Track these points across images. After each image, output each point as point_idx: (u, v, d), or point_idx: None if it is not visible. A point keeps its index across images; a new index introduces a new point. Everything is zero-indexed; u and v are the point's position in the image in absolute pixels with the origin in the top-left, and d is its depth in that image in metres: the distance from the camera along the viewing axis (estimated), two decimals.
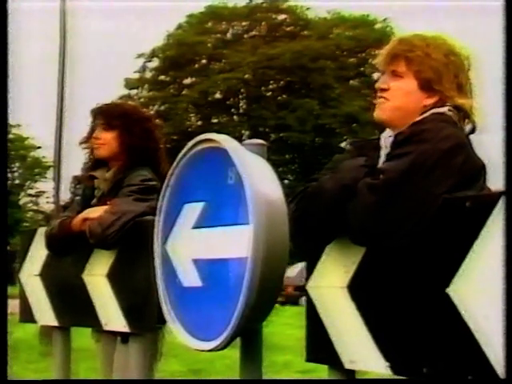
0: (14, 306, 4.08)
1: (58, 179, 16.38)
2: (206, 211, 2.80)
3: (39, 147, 42.02)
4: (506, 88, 2.06)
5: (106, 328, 3.73)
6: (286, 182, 42.73)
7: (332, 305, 2.64)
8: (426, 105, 2.62)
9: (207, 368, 8.79)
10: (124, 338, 3.65)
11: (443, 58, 2.62)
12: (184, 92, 47.98)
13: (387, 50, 2.69)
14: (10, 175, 39.80)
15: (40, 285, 4.20)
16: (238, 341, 2.76)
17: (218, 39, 49.07)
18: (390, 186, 2.40)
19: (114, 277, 3.66)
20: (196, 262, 2.82)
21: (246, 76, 46.87)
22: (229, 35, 49.56)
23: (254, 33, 49.49)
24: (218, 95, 48.39)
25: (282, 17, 49.75)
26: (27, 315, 4.39)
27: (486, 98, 2.70)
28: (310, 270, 2.74)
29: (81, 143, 4.09)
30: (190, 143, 2.91)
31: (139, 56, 48.70)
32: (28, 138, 42.30)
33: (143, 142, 3.88)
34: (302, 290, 3.22)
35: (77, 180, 4.10)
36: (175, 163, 2.98)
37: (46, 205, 40.78)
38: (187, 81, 48.71)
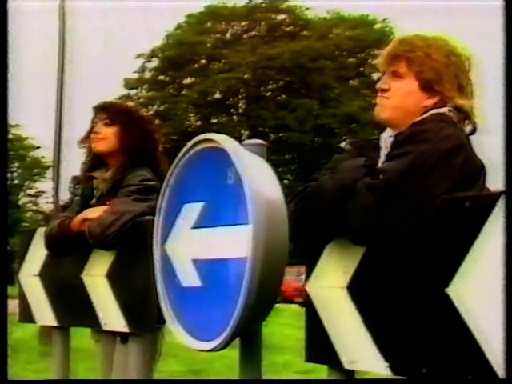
0: (13, 306, 4.08)
1: (57, 179, 16.37)
2: (206, 211, 2.80)
3: (38, 147, 42.07)
4: (506, 88, 2.06)
5: (106, 328, 3.73)
6: (285, 182, 42.75)
7: (331, 305, 2.64)
8: (427, 105, 2.62)
9: (207, 368, 8.79)
10: (123, 338, 3.65)
11: (444, 59, 2.62)
12: (183, 92, 48.01)
13: (388, 51, 2.69)
14: (9, 175, 39.80)
15: (39, 285, 4.20)
16: (237, 341, 2.76)
17: (218, 39, 49.09)
18: (390, 186, 2.40)
19: (113, 277, 3.66)
20: (195, 262, 2.82)
21: (246, 76, 46.90)
22: (228, 35, 49.59)
23: (253, 33, 49.52)
24: (217, 95, 48.43)
25: (281, 17, 49.78)
26: (26, 315, 4.39)
27: (486, 98, 2.70)
28: (309, 270, 2.74)
29: (80, 141, 4.09)
30: (190, 143, 2.91)
31: (138, 56, 48.76)
32: (27, 137, 42.34)
33: (143, 141, 3.88)
34: None
35: (76, 180, 4.10)
36: (175, 163, 2.98)
37: (46, 205, 40.85)
38: (186, 81, 48.75)
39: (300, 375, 8.27)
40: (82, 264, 3.84)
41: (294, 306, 20.00)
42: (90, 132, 3.99)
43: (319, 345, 2.69)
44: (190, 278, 2.84)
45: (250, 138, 34.27)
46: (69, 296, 3.98)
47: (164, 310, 2.97)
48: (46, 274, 4.18)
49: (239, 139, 2.99)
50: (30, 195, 44.52)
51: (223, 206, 2.74)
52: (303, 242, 2.67)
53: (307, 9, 49.23)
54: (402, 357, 2.40)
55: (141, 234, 3.43)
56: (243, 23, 49.34)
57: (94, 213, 3.71)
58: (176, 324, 2.91)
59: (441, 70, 2.61)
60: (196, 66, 48.71)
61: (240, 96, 48.66)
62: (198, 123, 47.46)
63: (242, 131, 46.05)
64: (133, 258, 3.54)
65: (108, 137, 3.90)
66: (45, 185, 41.45)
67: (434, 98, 2.61)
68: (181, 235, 2.92)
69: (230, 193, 2.69)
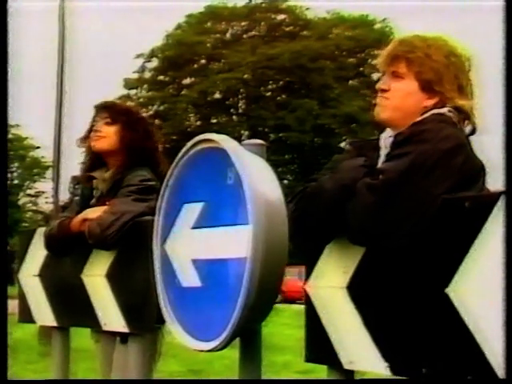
0: (12, 306, 4.08)
1: (57, 179, 16.35)
2: (206, 211, 2.80)
3: (38, 147, 42.06)
4: (506, 88, 2.06)
5: (105, 328, 3.72)
6: (285, 182, 42.76)
7: (331, 305, 2.64)
8: (427, 106, 2.61)
9: (206, 368, 8.79)
10: (123, 338, 3.65)
11: (444, 59, 2.62)
12: (183, 92, 48.02)
13: (388, 51, 2.69)
14: (8, 175, 39.79)
15: (39, 285, 4.20)
16: (237, 341, 2.76)
17: (218, 39, 49.10)
18: (390, 186, 2.40)
19: (113, 277, 3.66)
20: (195, 262, 2.82)
21: (246, 76, 46.90)
22: (228, 35, 49.60)
23: (253, 33, 49.53)
24: (217, 95, 48.44)
25: (281, 17, 49.80)
26: (26, 315, 4.39)
27: (486, 98, 2.69)
28: (309, 270, 2.74)
29: (80, 140, 4.08)
30: (190, 143, 2.91)
31: (138, 56, 48.78)
32: (27, 137, 42.33)
33: (144, 142, 3.89)
34: None
35: (76, 180, 4.10)
36: (174, 163, 2.98)
37: (45, 205, 40.83)
38: (186, 81, 48.75)
39: (300, 375, 8.27)
40: (81, 264, 3.84)
41: (294, 306, 19.99)
42: (90, 131, 3.99)
43: (319, 345, 2.69)
44: (189, 278, 2.84)
45: (249, 138, 34.30)
46: (68, 296, 3.98)
47: (164, 310, 2.97)
48: (45, 274, 4.18)
49: (239, 139, 2.99)
50: (29, 195, 44.53)
51: (223, 206, 2.74)
52: (303, 242, 2.67)
53: (307, 9, 49.30)
54: (402, 357, 2.40)
55: (141, 234, 3.43)
56: (243, 23, 49.35)
57: (94, 213, 3.71)
58: (176, 324, 2.91)
59: (441, 71, 2.60)
60: (196, 66, 48.72)
61: (240, 96, 48.67)
62: (198, 123, 47.47)
63: (242, 131, 46.06)
64: (132, 258, 3.54)
65: (109, 135, 3.90)
66: (44, 185, 41.50)
67: (433, 98, 2.61)
68: (181, 235, 2.92)
69: (229, 193, 2.69)
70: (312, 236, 2.61)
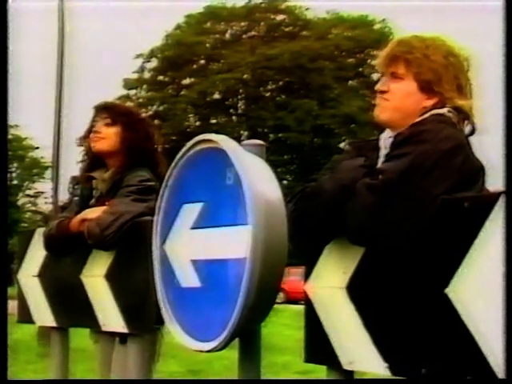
0: (12, 306, 4.07)
1: (56, 180, 16.34)
2: (205, 212, 2.80)
3: (37, 147, 42.07)
4: (506, 88, 2.06)
5: (105, 329, 3.72)
6: (284, 182, 42.74)
7: (331, 305, 2.64)
8: (426, 106, 2.61)
9: (206, 369, 8.79)
10: (122, 338, 3.65)
11: (443, 60, 2.61)
12: (182, 92, 48.01)
13: (386, 52, 2.69)
14: (8, 176, 39.78)
15: (38, 286, 4.20)
16: (236, 341, 2.75)
17: (217, 39, 49.10)
18: (389, 186, 2.40)
19: (112, 277, 3.66)
20: (194, 262, 2.82)
21: (245, 76, 46.90)
22: (227, 35, 49.60)
23: (252, 33, 49.53)
24: (216, 95, 48.44)
25: (280, 17, 49.79)
26: (25, 316, 4.39)
27: (486, 98, 2.69)
28: (308, 270, 2.74)
29: (80, 139, 4.08)
30: (189, 144, 2.91)
31: (138, 56, 48.79)
32: (26, 138, 42.33)
33: (143, 142, 3.89)
34: None
35: (75, 180, 4.10)
36: (174, 163, 2.97)
37: (45, 205, 40.81)
38: (186, 81, 48.75)
39: (299, 376, 8.27)
40: (81, 265, 3.84)
41: (294, 307, 19.99)
42: (90, 131, 3.98)
43: (318, 345, 2.69)
44: (189, 278, 2.84)
45: (249, 138, 34.28)
46: (68, 297, 3.98)
47: (163, 310, 2.96)
48: (45, 275, 4.18)
49: (238, 139, 2.99)
50: (29, 196, 44.52)
51: (222, 207, 2.74)
52: (302, 243, 2.67)
53: (307, 9, 49.29)
54: (401, 357, 2.40)
55: (140, 235, 3.43)
56: (242, 23, 49.34)
57: (93, 213, 3.71)
58: (175, 324, 2.91)
59: (439, 71, 2.60)
60: (195, 66, 48.72)
61: (239, 96, 48.67)
62: (197, 123, 47.47)
63: (242, 131, 46.06)
64: (132, 259, 3.54)
65: (109, 136, 3.90)
66: (44, 185, 41.46)
67: (433, 98, 2.61)
68: (180, 236, 2.92)
69: (229, 193, 2.68)
70: (311, 236, 2.61)
